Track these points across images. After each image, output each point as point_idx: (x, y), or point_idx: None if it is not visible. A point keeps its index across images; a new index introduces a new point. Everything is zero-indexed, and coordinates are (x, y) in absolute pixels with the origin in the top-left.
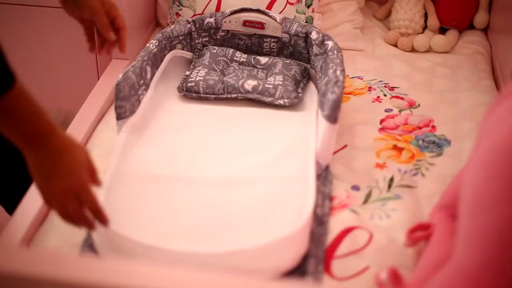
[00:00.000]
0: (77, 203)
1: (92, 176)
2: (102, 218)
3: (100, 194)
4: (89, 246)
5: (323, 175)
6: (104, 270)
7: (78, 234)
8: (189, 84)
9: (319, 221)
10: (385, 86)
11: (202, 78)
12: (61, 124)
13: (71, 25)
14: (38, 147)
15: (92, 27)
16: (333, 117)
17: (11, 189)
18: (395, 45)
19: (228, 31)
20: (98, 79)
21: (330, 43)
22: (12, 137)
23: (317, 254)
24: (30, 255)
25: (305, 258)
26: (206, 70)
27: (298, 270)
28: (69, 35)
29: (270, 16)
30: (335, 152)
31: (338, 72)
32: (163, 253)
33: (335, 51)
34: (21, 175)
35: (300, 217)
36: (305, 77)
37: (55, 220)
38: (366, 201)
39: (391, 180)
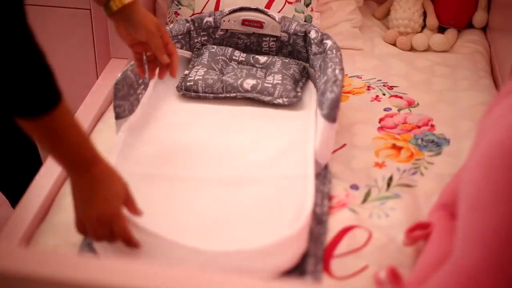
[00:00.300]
0: (109, 231)
1: (130, 207)
2: (132, 246)
3: None
4: (88, 245)
5: (322, 174)
6: (103, 270)
7: (77, 233)
8: (188, 84)
9: (318, 220)
10: (384, 85)
11: (201, 77)
12: None
13: (70, 24)
14: (80, 172)
15: (141, 53)
16: (332, 116)
17: (17, 183)
18: (394, 44)
19: (227, 30)
20: (97, 78)
21: (329, 42)
22: (57, 159)
23: (316, 253)
24: (29, 255)
25: (304, 257)
26: (205, 69)
27: (297, 269)
28: (68, 34)
29: (269, 15)
30: (334, 151)
31: (337, 71)
32: (164, 245)
33: (334, 50)
34: (27, 169)
35: (300, 217)
36: (304, 76)
37: (55, 220)
38: (365, 200)
39: (390, 179)
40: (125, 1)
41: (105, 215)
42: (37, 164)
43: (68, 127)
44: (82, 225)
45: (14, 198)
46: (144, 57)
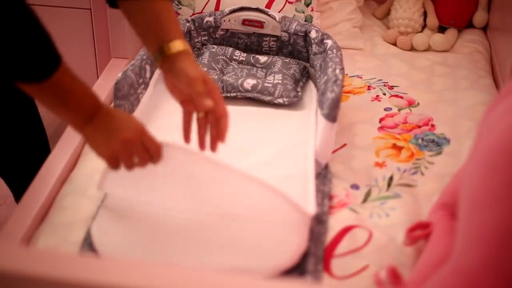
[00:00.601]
0: (141, 148)
1: (147, 140)
2: (160, 156)
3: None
4: (88, 244)
5: (323, 174)
6: (103, 270)
7: (77, 233)
8: None
9: (319, 219)
10: (384, 85)
11: None
12: (61, 123)
13: (69, 23)
14: (90, 117)
15: (191, 113)
16: (332, 116)
17: (24, 172)
18: (394, 44)
19: (227, 30)
20: (98, 78)
21: (329, 42)
22: (65, 115)
23: (316, 253)
24: (29, 254)
25: (305, 257)
26: (205, 69)
27: (298, 269)
28: (69, 34)
29: (269, 15)
30: (334, 151)
31: (337, 71)
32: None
33: (334, 50)
34: (34, 158)
35: (300, 216)
36: (304, 76)
37: (55, 219)
38: (365, 200)
39: (391, 179)
40: (172, 51)
41: (134, 133)
42: (46, 153)
43: (72, 83)
44: (113, 161)
45: (19, 189)
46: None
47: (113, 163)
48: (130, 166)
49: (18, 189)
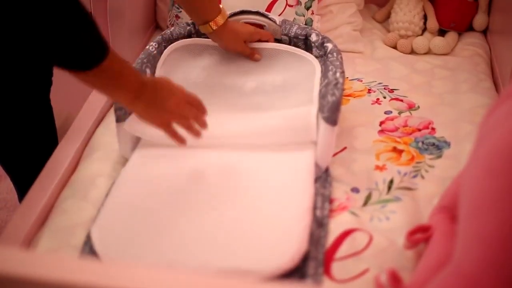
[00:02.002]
0: (187, 105)
1: (194, 102)
2: (203, 106)
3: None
4: (89, 248)
5: (323, 177)
6: (103, 273)
7: (77, 236)
8: None
9: (319, 223)
10: (384, 88)
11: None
12: (61, 126)
13: None
14: (141, 92)
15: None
16: (333, 119)
17: (29, 171)
18: (395, 47)
19: None
20: None
21: (329, 45)
22: (117, 96)
23: (317, 257)
24: (29, 258)
25: (305, 261)
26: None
27: (298, 273)
28: None
29: (269, 19)
30: (334, 154)
31: (338, 74)
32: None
33: (334, 53)
34: (41, 154)
35: (299, 216)
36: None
37: (55, 223)
38: (365, 203)
39: (391, 182)
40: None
41: (182, 96)
42: (54, 146)
43: (120, 66)
44: (168, 128)
45: (24, 184)
46: None
47: (169, 130)
48: (186, 125)
49: (24, 184)
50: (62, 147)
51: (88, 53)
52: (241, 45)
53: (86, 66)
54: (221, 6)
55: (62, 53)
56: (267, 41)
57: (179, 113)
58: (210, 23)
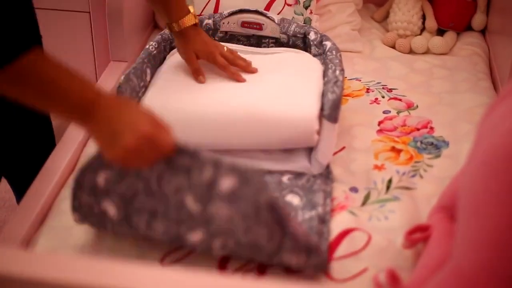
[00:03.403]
0: (154, 147)
1: (160, 131)
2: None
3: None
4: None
5: (325, 174)
6: (102, 272)
7: (76, 236)
8: None
9: (321, 219)
10: (383, 88)
11: None
12: (59, 126)
13: (68, 26)
14: (90, 113)
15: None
16: (333, 116)
17: (26, 173)
18: (393, 47)
19: (226, 32)
20: (96, 81)
21: (328, 44)
22: (57, 110)
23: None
24: (28, 257)
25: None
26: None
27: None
28: (66, 36)
29: (268, 17)
30: (333, 154)
31: (337, 72)
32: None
33: (333, 52)
34: (36, 162)
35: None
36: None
37: (54, 222)
38: (364, 202)
39: (390, 181)
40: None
41: (142, 134)
42: (51, 148)
43: (55, 73)
44: (117, 161)
45: (22, 186)
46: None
47: (126, 163)
48: (145, 163)
49: (20, 186)
50: (60, 147)
51: None
52: (191, 58)
53: None
54: (192, 11)
55: None
56: (224, 67)
57: (136, 155)
58: (173, 23)
